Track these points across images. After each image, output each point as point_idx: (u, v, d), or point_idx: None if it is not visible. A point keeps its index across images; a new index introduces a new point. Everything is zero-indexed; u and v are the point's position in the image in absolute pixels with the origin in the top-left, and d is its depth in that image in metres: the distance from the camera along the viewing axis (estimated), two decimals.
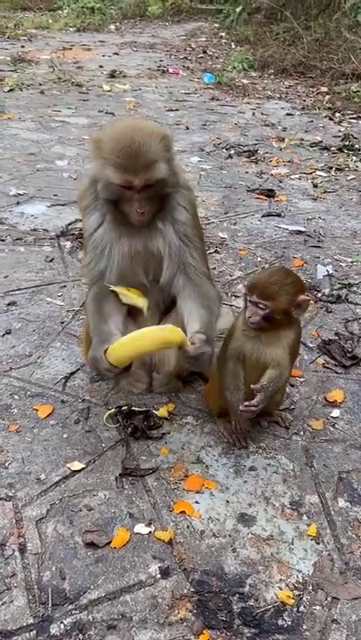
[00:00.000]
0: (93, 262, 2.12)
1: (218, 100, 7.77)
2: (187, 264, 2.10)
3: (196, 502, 1.89)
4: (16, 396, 2.31)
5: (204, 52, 11.18)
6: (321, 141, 6.07)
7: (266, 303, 1.87)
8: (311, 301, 3.08)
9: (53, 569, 1.66)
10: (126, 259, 2.09)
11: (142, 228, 2.01)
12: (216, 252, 3.59)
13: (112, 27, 13.70)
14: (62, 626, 1.52)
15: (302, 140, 6.13)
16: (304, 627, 1.56)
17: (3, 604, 1.56)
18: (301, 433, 2.22)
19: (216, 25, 13.81)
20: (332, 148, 5.85)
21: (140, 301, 2.10)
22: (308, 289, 2.01)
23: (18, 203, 4.10)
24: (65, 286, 3.11)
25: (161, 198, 1.98)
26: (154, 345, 1.88)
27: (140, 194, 1.91)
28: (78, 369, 2.48)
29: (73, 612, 1.56)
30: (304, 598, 1.63)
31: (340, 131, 6.51)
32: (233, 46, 11.43)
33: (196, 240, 2.13)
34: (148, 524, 1.80)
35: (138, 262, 2.11)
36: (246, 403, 1.93)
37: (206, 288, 2.13)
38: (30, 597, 1.59)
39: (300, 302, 1.89)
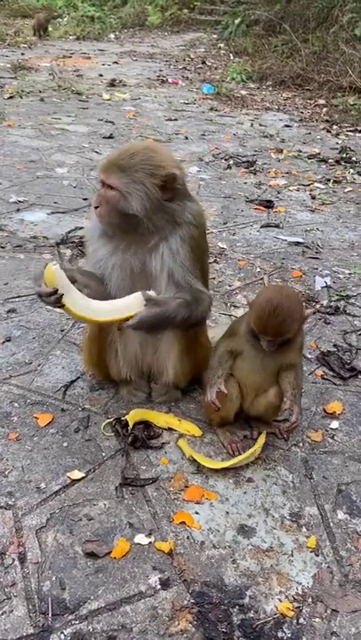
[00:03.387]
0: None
1: (217, 110, 7.83)
2: (180, 285, 2.09)
3: (196, 513, 1.90)
4: (16, 404, 2.31)
5: (203, 62, 11.27)
6: (319, 153, 6.13)
7: (283, 338, 1.92)
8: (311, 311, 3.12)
9: (53, 578, 1.66)
10: (122, 273, 2.11)
11: (101, 223, 2.03)
12: (215, 261, 3.61)
13: (112, 36, 13.80)
14: (62, 636, 1.52)
15: (300, 151, 6.18)
16: (304, 639, 1.56)
17: (3, 614, 1.56)
18: (301, 444, 2.23)
19: (215, 36, 13.92)
20: (330, 161, 5.91)
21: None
22: (302, 302, 2.12)
23: (18, 210, 4.12)
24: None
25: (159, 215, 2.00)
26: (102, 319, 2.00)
27: (100, 188, 1.99)
28: (78, 377, 2.49)
29: (73, 622, 1.56)
30: (304, 610, 1.64)
31: (337, 143, 6.57)
32: (232, 57, 11.53)
33: (194, 268, 2.10)
34: (149, 535, 1.80)
35: (134, 278, 2.12)
36: (288, 424, 2.02)
37: (195, 293, 2.10)
38: (30, 607, 1.58)
39: (307, 317, 2.01)
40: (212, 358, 2.14)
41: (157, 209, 1.98)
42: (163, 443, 2.18)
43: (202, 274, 2.15)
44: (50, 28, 12.76)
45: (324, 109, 8.09)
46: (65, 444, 2.13)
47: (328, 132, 7.13)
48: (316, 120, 7.63)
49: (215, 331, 2.46)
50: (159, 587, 1.66)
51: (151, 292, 1.98)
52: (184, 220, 2.05)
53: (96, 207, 2.01)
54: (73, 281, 1.99)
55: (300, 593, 1.68)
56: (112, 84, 8.58)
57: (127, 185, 1.93)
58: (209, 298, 2.17)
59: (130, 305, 1.96)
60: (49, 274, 1.88)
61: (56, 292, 1.89)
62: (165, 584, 1.67)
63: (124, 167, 1.94)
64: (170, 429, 2.24)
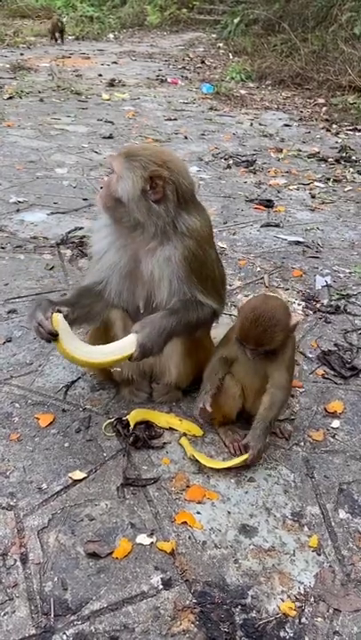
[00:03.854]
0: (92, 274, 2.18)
1: (216, 109, 7.83)
2: (177, 294, 2.09)
3: (198, 513, 1.90)
4: (17, 405, 2.31)
5: (203, 62, 11.27)
6: (318, 152, 6.13)
7: (265, 348, 1.93)
8: (310, 311, 3.12)
9: (55, 579, 1.66)
10: (122, 276, 2.12)
11: (100, 205, 2.07)
12: None
13: (111, 36, 13.80)
14: (65, 637, 1.52)
15: (300, 150, 6.18)
16: (306, 639, 1.56)
17: (5, 615, 1.55)
18: (302, 444, 2.23)
19: (214, 35, 13.94)
20: (330, 160, 5.91)
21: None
22: (290, 314, 2.03)
23: (18, 210, 4.11)
24: (65, 294, 3.11)
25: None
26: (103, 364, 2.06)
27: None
28: (79, 378, 2.48)
29: (75, 622, 1.55)
30: (306, 610, 1.63)
31: (337, 142, 6.57)
32: (231, 57, 11.53)
33: (190, 279, 2.09)
34: (150, 535, 1.80)
35: (134, 283, 2.13)
36: (251, 453, 2.00)
37: (190, 303, 2.10)
38: (32, 608, 1.58)
39: (292, 328, 1.97)
40: (207, 366, 2.15)
41: (145, 207, 1.99)
42: (164, 443, 2.18)
43: (205, 284, 2.12)
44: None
45: (324, 108, 8.09)
46: (66, 445, 2.13)
47: (328, 130, 7.12)
48: (316, 119, 7.63)
49: (216, 331, 2.46)
50: (161, 587, 1.66)
51: (137, 326, 2.01)
52: (178, 230, 2.04)
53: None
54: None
55: (303, 592, 1.68)
56: (111, 83, 8.59)
57: (122, 170, 1.98)
58: (211, 307, 2.15)
59: (125, 346, 1.99)
60: (54, 321, 1.95)
61: (57, 335, 1.94)
62: (167, 584, 1.67)
63: (130, 155, 2.00)
64: (171, 429, 2.24)
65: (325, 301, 3.25)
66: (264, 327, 1.89)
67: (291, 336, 2.03)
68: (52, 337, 1.93)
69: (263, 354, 1.95)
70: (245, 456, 2.03)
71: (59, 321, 1.96)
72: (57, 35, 12.04)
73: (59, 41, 12.08)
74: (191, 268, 2.06)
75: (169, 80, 9.44)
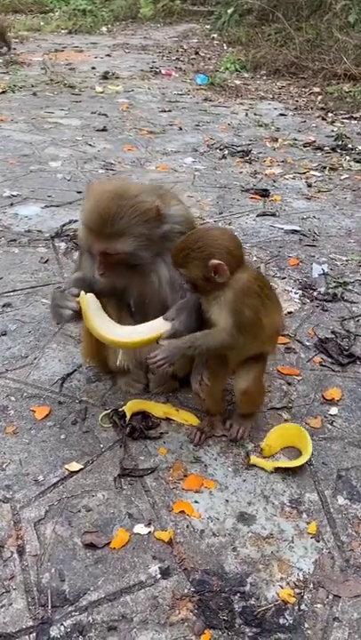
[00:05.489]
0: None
1: (211, 100, 7.77)
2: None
3: (196, 502, 1.89)
4: (12, 398, 2.30)
5: (197, 53, 11.18)
6: (314, 141, 6.09)
7: (180, 271, 1.87)
8: (307, 300, 3.10)
9: (52, 570, 1.65)
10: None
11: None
12: None
13: (104, 29, 13.68)
14: (62, 628, 1.51)
15: (296, 140, 6.14)
16: (306, 625, 1.55)
17: (2, 607, 1.55)
18: None
19: (208, 26, 13.81)
20: (326, 148, 5.87)
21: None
22: (228, 250, 1.84)
23: (12, 204, 4.09)
24: (60, 287, 3.09)
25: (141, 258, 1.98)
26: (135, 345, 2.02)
27: (101, 257, 1.93)
28: (75, 370, 2.47)
29: (73, 613, 1.55)
30: (305, 596, 1.63)
31: (332, 131, 6.52)
32: (225, 47, 11.44)
33: None
34: (148, 525, 1.79)
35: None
36: (152, 353, 1.88)
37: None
38: (30, 600, 1.57)
39: (214, 268, 1.80)
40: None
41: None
42: (161, 433, 2.16)
43: None
44: (41, 23, 12.46)
45: (319, 97, 8.03)
46: (62, 437, 2.12)
47: (323, 119, 7.08)
48: (312, 108, 7.58)
49: None
50: (159, 576, 1.65)
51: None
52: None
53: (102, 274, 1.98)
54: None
55: (302, 579, 1.67)
56: (105, 76, 8.52)
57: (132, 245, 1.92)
58: None
59: (156, 326, 1.97)
60: (83, 301, 1.98)
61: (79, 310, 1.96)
62: (165, 573, 1.66)
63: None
64: (168, 419, 2.23)
65: (322, 289, 3.23)
66: (184, 245, 1.83)
67: (233, 280, 1.85)
68: (77, 313, 1.96)
69: (191, 286, 1.88)
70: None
71: (90, 301, 1.97)
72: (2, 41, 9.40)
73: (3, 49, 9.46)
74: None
75: (163, 72, 9.38)
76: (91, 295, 1.99)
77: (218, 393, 2.18)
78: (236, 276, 1.86)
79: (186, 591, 1.61)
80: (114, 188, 1.94)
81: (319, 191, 4.77)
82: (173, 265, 1.91)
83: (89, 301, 1.98)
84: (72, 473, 1.97)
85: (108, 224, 1.87)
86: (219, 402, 2.21)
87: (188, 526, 1.80)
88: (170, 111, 7.03)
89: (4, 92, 7.29)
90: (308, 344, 2.74)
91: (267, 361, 2.16)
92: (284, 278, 3.32)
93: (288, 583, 1.66)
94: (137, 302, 2.15)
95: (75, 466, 1.99)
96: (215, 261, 1.79)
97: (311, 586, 1.66)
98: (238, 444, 2.12)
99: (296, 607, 1.59)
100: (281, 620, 1.56)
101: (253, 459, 2.05)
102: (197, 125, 6.51)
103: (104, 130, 6.03)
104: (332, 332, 2.82)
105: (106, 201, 1.87)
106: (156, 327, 1.96)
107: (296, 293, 3.17)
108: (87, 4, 14.24)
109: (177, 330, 1.93)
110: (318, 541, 1.78)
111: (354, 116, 7.20)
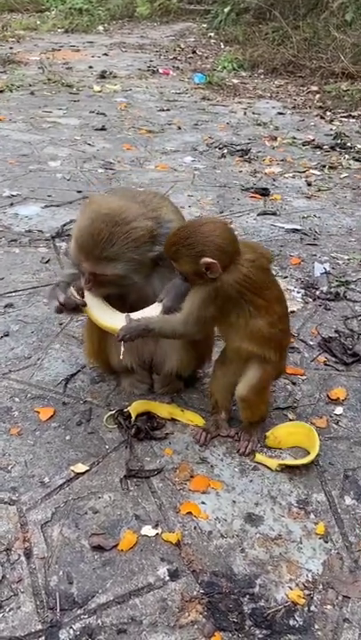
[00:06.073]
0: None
1: (209, 99, 7.76)
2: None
3: (203, 503, 1.88)
4: (16, 399, 2.28)
5: (194, 52, 11.17)
6: (313, 140, 6.08)
7: (173, 264, 1.86)
8: (309, 299, 3.09)
9: (60, 573, 1.64)
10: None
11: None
12: None
13: (100, 28, 13.65)
14: (71, 631, 1.50)
15: (295, 138, 6.14)
16: (316, 626, 1.54)
17: (10, 611, 1.53)
18: None
19: (205, 25, 13.79)
20: (325, 147, 5.86)
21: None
22: (219, 247, 1.78)
23: (12, 204, 4.07)
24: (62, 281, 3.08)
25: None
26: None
27: (90, 276, 1.92)
28: (79, 370, 2.46)
29: (82, 616, 1.53)
30: (315, 598, 1.62)
31: (331, 129, 6.52)
32: (222, 46, 11.42)
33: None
34: (155, 526, 1.78)
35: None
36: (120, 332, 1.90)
37: None
38: (38, 603, 1.56)
39: (205, 266, 1.77)
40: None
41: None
42: (166, 433, 2.15)
43: None
44: (38, 23, 12.37)
45: (317, 96, 8.03)
46: (67, 438, 2.11)
47: (322, 118, 7.07)
48: (310, 107, 7.58)
49: None
50: (168, 578, 1.64)
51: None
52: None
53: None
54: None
55: (311, 580, 1.66)
56: (102, 75, 8.50)
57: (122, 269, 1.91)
58: None
59: (149, 311, 1.98)
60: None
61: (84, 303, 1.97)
62: (174, 575, 1.65)
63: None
64: (173, 420, 2.22)
65: (325, 288, 3.22)
66: (176, 240, 1.81)
67: (223, 275, 1.81)
68: (83, 306, 1.97)
69: (183, 277, 1.87)
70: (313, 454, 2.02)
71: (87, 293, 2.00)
72: None
73: None
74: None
75: (160, 71, 9.36)
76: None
77: (227, 386, 2.14)
78: (226, 273, 1.82)
79: (195, 593, 1.61)
80: (110, 210, 1.87)
81: (319, 190, 4.77)
82: (166, 256, 1.89)
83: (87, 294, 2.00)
84: (78, 474, 1.95)
85: (99, 247, 1.84)
86: (227, 397, 2.18)
87: (195, 528, 1.79)
88: (168, 110, 7.02)
89: (1, 92, 7.27)
90: (311, 343, 2.73)
91: (272, 372, 2.05)
92: (286, 277, 3.32)
93: (297, 584, 1.65)
94: (134, 306, 2.13)
95: (80, 467, 1.97)
96: (207, 260, 1.77)
97: (320, 587, 1.65)
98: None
99: (306, 608, 1.59)
100: (291, 622, 1.55)
101: (258, 456, 2.04)
102: (196, 124, 6.50)
103: (103, 129, 6.01)
104: (336, 331, 2.82)
105: (99, 223, 1.83)
106: (148, 311, 1.98)
107: (298, 292, 3.17)
108: (83, 2, 14.20)
109: (166, 307, 1.94)
110: (327, 542, 1.78)
111: (352, 114, 7.21)
